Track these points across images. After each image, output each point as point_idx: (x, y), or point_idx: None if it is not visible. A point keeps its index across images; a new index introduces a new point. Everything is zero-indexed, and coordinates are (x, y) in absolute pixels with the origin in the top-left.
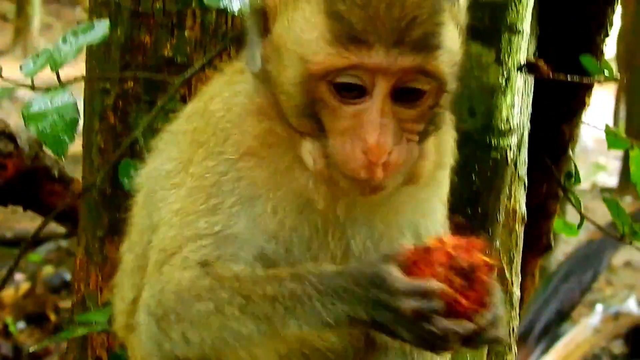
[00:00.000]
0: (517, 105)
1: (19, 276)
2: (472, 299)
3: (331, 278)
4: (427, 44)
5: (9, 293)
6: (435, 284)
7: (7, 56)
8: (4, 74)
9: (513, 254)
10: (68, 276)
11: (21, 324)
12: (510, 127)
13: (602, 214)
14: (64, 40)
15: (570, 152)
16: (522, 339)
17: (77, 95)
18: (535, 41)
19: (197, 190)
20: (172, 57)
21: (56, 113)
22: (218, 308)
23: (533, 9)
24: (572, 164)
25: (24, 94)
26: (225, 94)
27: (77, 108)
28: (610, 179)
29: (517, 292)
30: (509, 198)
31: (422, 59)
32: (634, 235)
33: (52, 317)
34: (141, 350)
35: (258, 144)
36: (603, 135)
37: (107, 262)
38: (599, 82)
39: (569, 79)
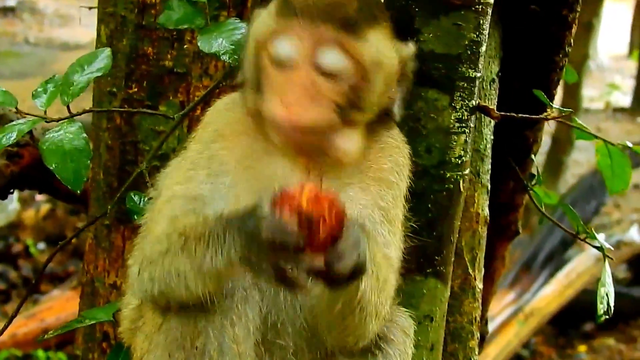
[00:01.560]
0: (469, 142)
1: (39, 198)
2: (315, 245)
3: (237, 217)
4: (348, 25)
5: (29, 215)
6: (291, 222)
7: None
8: None
9: (476, 252)
10: None
11: (41, 245)
12: (463, 162)
13: (615, 135)
14: (72, 71)
15: (533, 156)
16: (526, 266)
17: (87, 96)
18: (499, 63)
19: (180, 167)
20: (173, 67)
21: (70, 148)
22: (169, 249)
23: (495, 33)
24: (535, 166)
25: None
26: (216, 103)
27: (88, 140)
28: (625, 99)
29: (479, 285)
30: (473, 204)
31: (341, 36)
32: (587, 236)
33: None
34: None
35: (229, 131)
36: (619, 52)
37: (113, 249)
38: (547, 119)
39: (518, 115)
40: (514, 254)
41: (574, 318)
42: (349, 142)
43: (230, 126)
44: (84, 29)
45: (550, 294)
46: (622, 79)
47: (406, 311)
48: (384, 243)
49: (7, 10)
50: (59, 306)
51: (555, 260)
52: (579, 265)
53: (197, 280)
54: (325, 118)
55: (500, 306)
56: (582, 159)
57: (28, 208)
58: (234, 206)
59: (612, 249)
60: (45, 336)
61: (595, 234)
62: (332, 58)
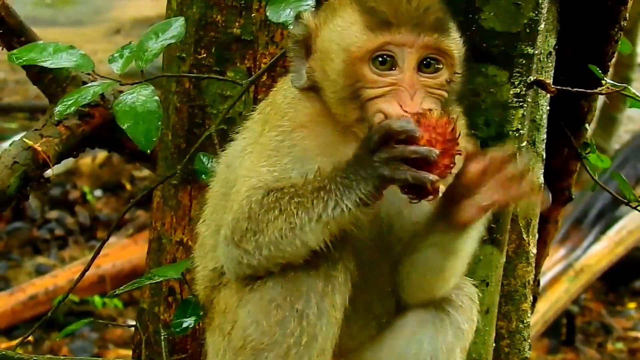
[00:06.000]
0: (526, 115)
1: None
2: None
3: (351, 159)
4: (440, 27)
5: (86, 162)
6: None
7: None
8: None
9: (530, 219)
10: None
11: (98, 192)
12: (520, 134)
13: None
14: (147, 38)
15: (587, 125)
16: (577, 222)
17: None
18: (556, 36)
19: (262, 153)
20: (240, 34)
21: (142, 111)
22: (282, 210)
23: (553, 7)
24: (588, 135)
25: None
26: (285, 87)
27: (159, 103)
28: None
29: (533, 250)
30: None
31: (437, 38)
32: (639, 204)
33: (128, 186)
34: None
35: (309, 120)
36: None
37: (180, 207)
38: (601, 93)
39: (573, 90)
40: (565, 210)
41: (624, 275)
42: None
43: (309, 117)
44: None
45: (601, 251)
46: None
47: (467, 279)
48: None
49: None
50: (115, 253)
51: (607, 217)
52: (631, 222)
53: (315, 231)
54: (437, 107)
55: (551, 262)
56: (635, 115)
57: (85, 156)
58: None
59: None
60: (117, 291)
61: None
62: (434, 60)
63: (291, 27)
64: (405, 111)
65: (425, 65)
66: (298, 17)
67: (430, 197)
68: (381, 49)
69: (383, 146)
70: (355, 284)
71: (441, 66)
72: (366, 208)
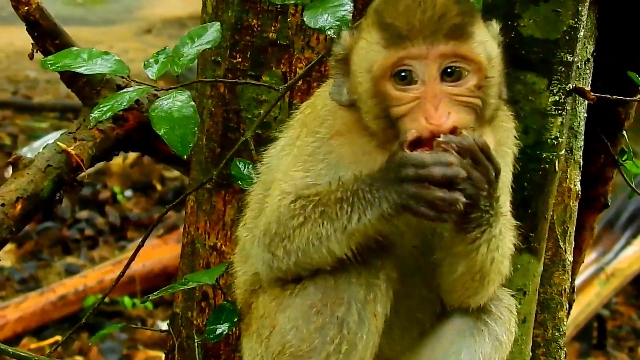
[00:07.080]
0: (565, 123)
1: None
2: None
3: (376, 174)
4: (458, 33)
5: (116, 162)
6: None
7: None
8: None
9: (567, 226)
10: None
11: (128, 192)
12: (559, 142)
13: None
14: (182, 43)
15: (625, 131)
16: (609, 225)
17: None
18: (594, 42)
19: (298, 158)
20: (276, 39)
21: (179, 116)
22: (306, 218)
23: (591, 13)
24: (626, 142)
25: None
26: (327, 93)
27: (196, 109)
28: None
29: (569, 258)
30: (565, 179)
31: (455, 45)
32: None
33: (158, 186)
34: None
35: (346, 129)
36: None
37: (214, 211)
38: None
39: (613, 97)
40: None
41: None
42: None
43: (346, 126)
44: None
45: (633, 254)
46: None
47: (506, 290)
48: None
49: None
50: (145, 253)
51: (638, 220)
52: None
53: (341, 241)
54: (467, 119)
55: (582, 266)
56: None
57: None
58: None
59: None
60: (151, 297)
61: None
62: (454, 68)
63: (329, 32)
64: (432, 124)
65: (448, 73)
66: (339, 35)
67: None
68: (398, 64)
69: (414, 181)
70: (397, 290)
71: (466, 72)
72: (390, 221)
